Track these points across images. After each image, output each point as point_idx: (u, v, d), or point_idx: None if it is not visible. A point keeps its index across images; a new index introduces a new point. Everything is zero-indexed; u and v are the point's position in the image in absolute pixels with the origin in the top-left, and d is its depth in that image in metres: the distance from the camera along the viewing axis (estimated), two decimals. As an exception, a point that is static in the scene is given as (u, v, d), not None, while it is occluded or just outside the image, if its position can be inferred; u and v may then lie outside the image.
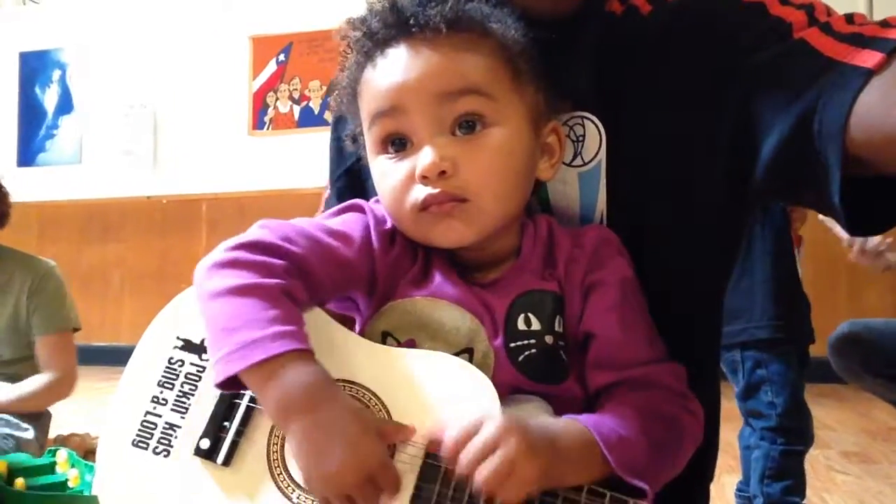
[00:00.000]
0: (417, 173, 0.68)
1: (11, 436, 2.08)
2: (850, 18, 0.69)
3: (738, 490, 1.94)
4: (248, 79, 5.00)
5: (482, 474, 0.57)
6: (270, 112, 4.96)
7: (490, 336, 0.70)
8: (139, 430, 0.69)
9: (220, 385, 0.61)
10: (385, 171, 0.72)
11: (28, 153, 5.43)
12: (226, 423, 0.68)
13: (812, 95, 0.65)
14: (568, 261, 0.73)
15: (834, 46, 0.66)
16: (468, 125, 0.69)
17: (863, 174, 0.64)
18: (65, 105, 5.41)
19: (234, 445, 0.67)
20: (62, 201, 5.20)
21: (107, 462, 0.68)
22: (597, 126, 0.78)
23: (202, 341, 0.72)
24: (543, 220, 0.76)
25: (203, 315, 0.64)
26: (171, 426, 0.69)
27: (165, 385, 0.70)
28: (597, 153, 0.78)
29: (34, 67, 5.49)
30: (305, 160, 4.62)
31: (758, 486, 1.80)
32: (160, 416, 0.69)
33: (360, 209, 0.76)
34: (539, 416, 0.66)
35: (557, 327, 0.71)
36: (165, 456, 0.68)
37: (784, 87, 0.68)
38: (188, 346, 0.72)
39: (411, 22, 0.70)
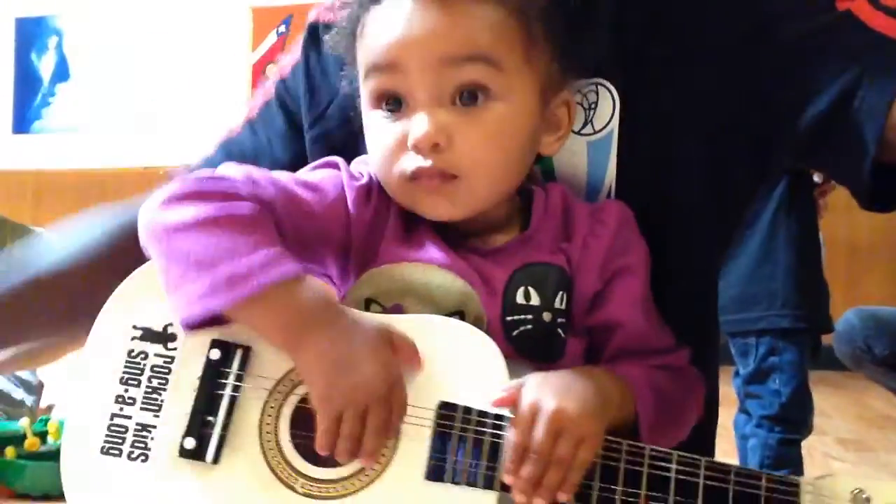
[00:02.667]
0: (409, 142, 0.64)
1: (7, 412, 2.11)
2: None
3: None
4: (247, 50, 4.93)
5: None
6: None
7: (485, 304, 0.66)
8: (107, 435, 0.62)
9: (192, 321, 0.59)
10: (377, 130, 0.67)
11: (23, 120, 5.36)
12: (209, 418, 0.61)
13: (857, 71, 0.64)
14: (587, 235, 0.69)
15: (883, 21, 0.65)
16: (470, 96, 0.64)
17: (892, 161, 0.64)
18: (61, 72, 5.33)
19: (223, 440, 0.61)
20: (58, 170, 5.14)
21: (75, 474, 0.62)
22: (611, 93, 0.74)
23: (165, 328, 0.64)
24: (557, 190, 0.72)
25: (161, 253, 0.60)
26: (144, 427, 0.62)
27: (130, 382, 0.63)
28: (609, 121, 0.74)
29: (30, 33, 5.41)
30: (304, 134, 4.56)
31: None
32: (130, 416, 0.62)
33: (335, 165, 0.72)
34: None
35: (559, 304, 0.68)
36: (143, 461, 0.61)
37: (828, 60, 0.67)
38: (149, 334, 0.64)
39: None
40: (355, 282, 0.69)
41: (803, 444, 1.81)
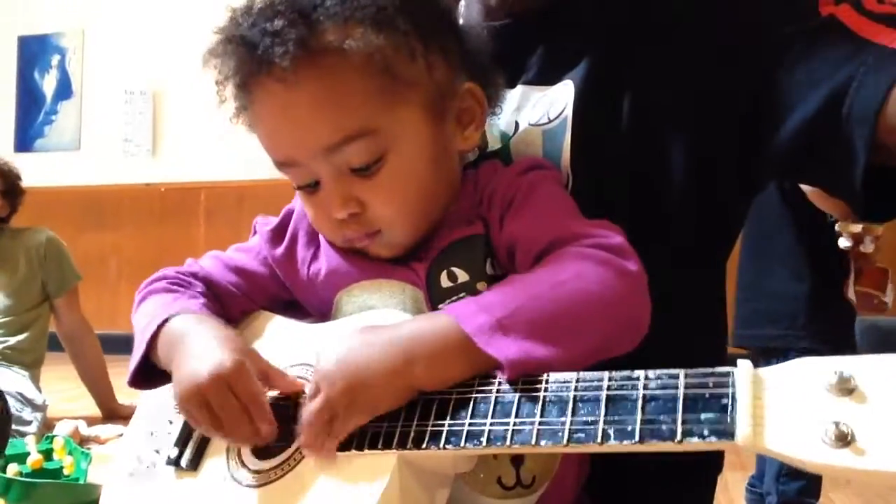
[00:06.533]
0: (332, 217, 0.66)
1: (18, 431, 2.15)
2: None
3: (750, 485, 1.92)
4: (248, 67, 4.95)
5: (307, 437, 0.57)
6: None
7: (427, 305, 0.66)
8: (134, 462, 0.71)
9: (134, 383, 0.71)
10: (304, 203, 0.70)
11: (26, 139, 5.39)
12: (191, 430, 0.68)
13: (843, 76, 0.63)
14: (493, 189, 0.69)
15: (868, 26, 0.64)
16: (361, 168, 0.64)
17: (882, 162, 0.63)
18: (64, 90, 5.36)
19: (202, 448, 0.67)
20: (59, 187, 5.16)
21: (107, 496, 0.71)
22: (570, 86, 0.75)
23: None
24: (488, 168, 0.72)
25: None
26: (157, 451, 0.70)
27: (156, 420, 0.73)
28: (563, 110, 0.74)
29: (33, 52, 5.44)
30: (305, 150, 4.58)
31: (773, 484, 1.77)
32: (149, 445, 0.71)
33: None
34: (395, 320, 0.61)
35: (491, 270, 0.66)
36: (150, 477, 0.69)
37: (813, 65, 0.66)
38: None
39: (263, 60, 0.62)
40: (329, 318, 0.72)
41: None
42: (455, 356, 0.56)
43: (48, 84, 5.40)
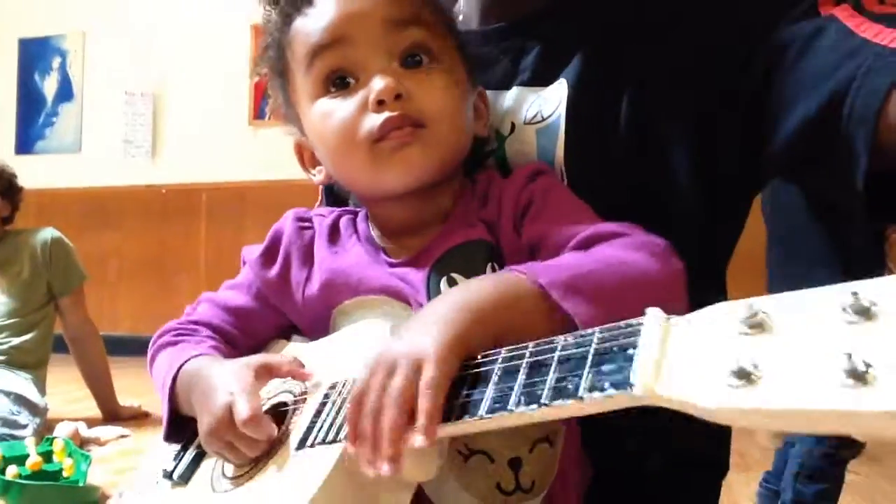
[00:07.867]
0: (372, 99, 0.65)
1: (11, 435, 2.14)
2: None
3: (764, 480, 1.89)
4: (249, 67, 4.95)
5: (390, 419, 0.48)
6: (272, 102, 4.91)
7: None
8: (145, 480, 0.72)
9: (166, 434, 0.71)
10: (329, 110, 0.68)
11: (27, 141, 5.39)
12: (190, 447, 0.70)
13: (843, 76, 0.63)
14: (500, 194, 0.69)
15: (868, 26, 0.63)
16: (416, 58, 0.68)
17: (881, 166, 0.62)
18: (64, 92, 5.36)
19: (195, 464, 0.68)
20: (60, 189, 5.16)
21: None
22: (563, 85, 0.75)
23: None
24: (484, 176, 0.73)
25: None
26: (164, 469, 0.71)
27: (185, 445, 0.73)
28: (556, 108, 0.74)
29: (34, 54, 5.45)
30: (307, 150, 4.58)
31: (791, 483, 1.74)
32: (160, 464, 0.72)
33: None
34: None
35: None
36: (150, 492, 0.70)
37: (813, 66, 0.65)
38: None
39: None
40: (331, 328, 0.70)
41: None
42: (530, 309, 0.53)
43: (49, 86, 5.40)
